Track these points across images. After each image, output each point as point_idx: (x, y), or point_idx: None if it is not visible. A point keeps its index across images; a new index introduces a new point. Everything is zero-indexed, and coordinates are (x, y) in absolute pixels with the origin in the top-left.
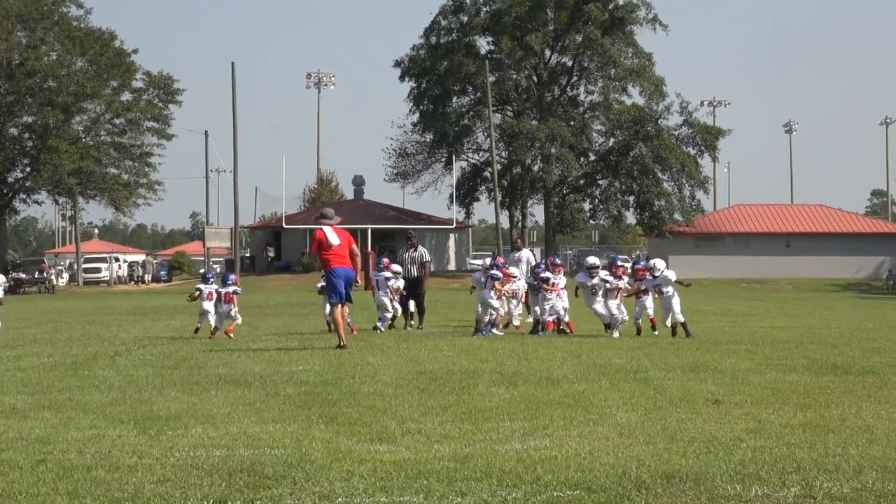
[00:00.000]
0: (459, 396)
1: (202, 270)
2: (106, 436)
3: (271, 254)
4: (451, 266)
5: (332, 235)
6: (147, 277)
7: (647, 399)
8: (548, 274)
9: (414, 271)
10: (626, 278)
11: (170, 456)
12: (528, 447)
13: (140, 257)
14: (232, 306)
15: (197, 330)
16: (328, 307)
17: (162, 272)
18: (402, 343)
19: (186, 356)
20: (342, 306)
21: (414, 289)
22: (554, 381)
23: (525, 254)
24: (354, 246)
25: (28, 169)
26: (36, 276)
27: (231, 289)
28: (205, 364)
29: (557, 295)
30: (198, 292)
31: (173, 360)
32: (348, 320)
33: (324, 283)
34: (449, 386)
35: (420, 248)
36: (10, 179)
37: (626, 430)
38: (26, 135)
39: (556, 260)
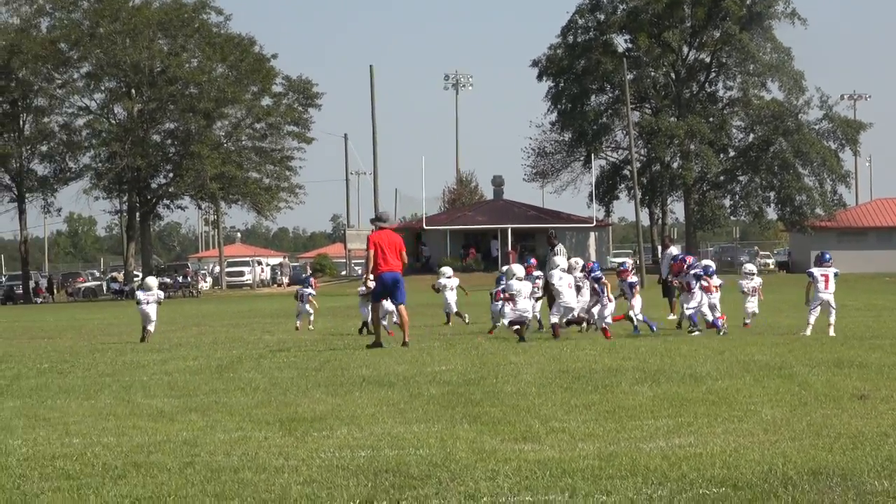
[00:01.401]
0: (603, 395)
1: (305, 275)
2: (252, 437)
3: (427, 253)
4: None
5: (386, 240)
6: (284, 280)
7: (791, 395)
8: (600, 273)
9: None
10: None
11: (315, 457)
12: (673, 444)
13: (279, 260)
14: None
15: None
16: (366, 310)
17: (303, 274)
18: (545, 342)
19: (330, 358)
20: (396, 307)
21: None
22: (697, 378)
23: (675, 252)
24: (404, 252)
25: (171, 175)
26: (180, 280)
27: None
28: (348, 365)
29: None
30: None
31: (317, 362)
32: (394, 320)
33: (366, 288)
34: (592, 384)
35: (559, 246)
36: (154, 185)
37: (772, 426)
38: (169, 141)
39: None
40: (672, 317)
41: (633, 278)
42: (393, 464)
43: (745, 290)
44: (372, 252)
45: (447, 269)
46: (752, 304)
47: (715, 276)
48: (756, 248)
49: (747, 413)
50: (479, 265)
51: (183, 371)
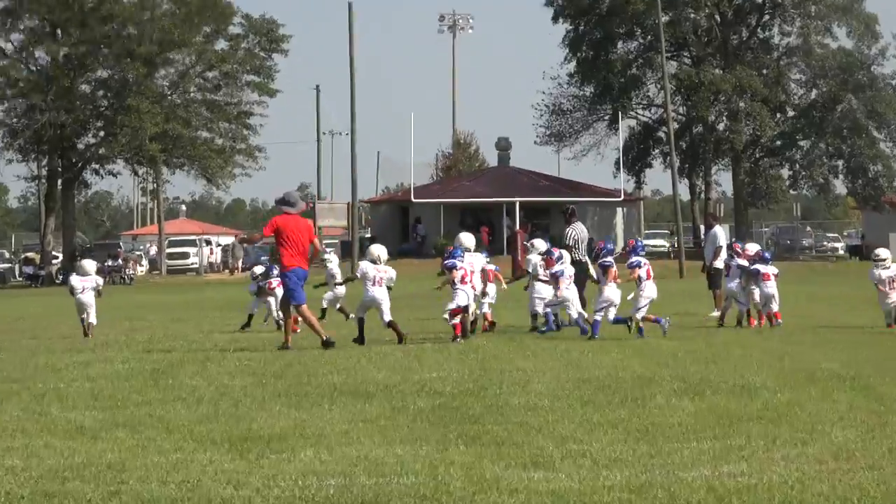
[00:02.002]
0: (633, 410)
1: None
2: (194, 461)
3: (422, 233)
4: (619, 248)
5: (293, 226)
6: (238, 264)
7: (869, 413)
8: (610, 260)
9: (584, 251)
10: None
11: (273, 486)
12: (721, 473)
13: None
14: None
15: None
16: (275, 307)
17: (263, 257)
18: (560, 344)
19: (293, 361)
20: (296, 308)
21: (583, 274)
22: (751, 390)
23: (719, 231)
24: (316, 241)
25: (102, 133)
26: (109, 263)
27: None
28: (316, 371)
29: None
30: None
31: (278, 367)
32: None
33: (257, 286)
34: (619, 397)
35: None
36: (81, 146)
37: (844, 451)
38: (100, 92)
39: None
40: (715, 313)
41: (557, 267)
42: (370, 495)
43: (880, 281)
44: (267, 238)
45: (379, 250)
46: (894, 299)
47: (770, 265)
48: (817, 229)
49: (813, 435)
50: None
51: (110, 377)
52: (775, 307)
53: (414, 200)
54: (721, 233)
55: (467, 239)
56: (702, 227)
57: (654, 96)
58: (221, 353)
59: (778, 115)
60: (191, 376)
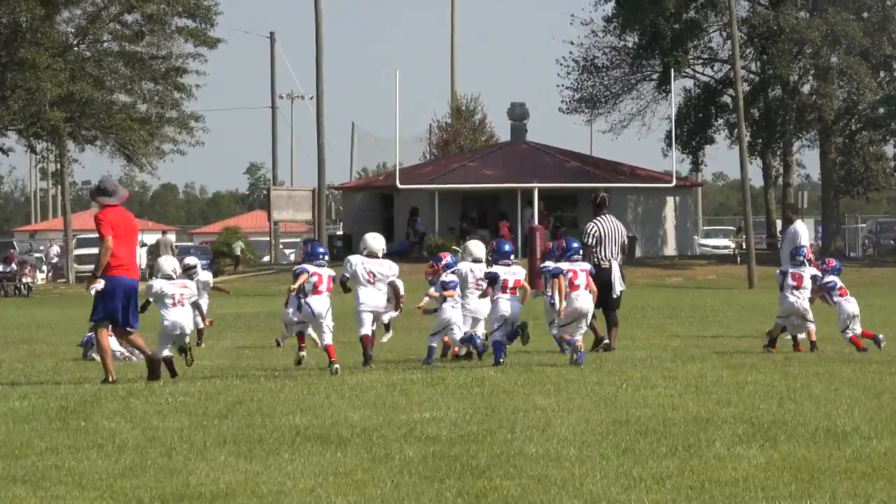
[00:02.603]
0: (684, 461)
1: (303, 238)
2: None
3: (421, 229)
4: (671, 248)
5: (123, 224)
6: (142, 262)
7: None
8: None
9: (611, 253)
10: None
11: None
12: None
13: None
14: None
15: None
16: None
17: (203, 261)
18: (591, 375)
19: (243, 396)
20: (119, 328)
21: (608, 287)
22: (838, 435)
23: (800, 228)
24: (138, 237)
25: None
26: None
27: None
28: (273, 410)
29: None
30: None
31: (223, 404)
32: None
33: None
34: (668, 444)
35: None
36: None
37: None
38: None
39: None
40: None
41: (448, 277)
42: None
43: None
44: (109, 240)
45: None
46: None
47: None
48: None
49: None
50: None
51: (4, 416)
52: (859, 328)
53: (400, 186)
54: (803, 230)
55: (477, 248)
56: (778, 222)
57: (719, 48)
58: (148, 385)
59: (882, 74)
60: (109, 416)
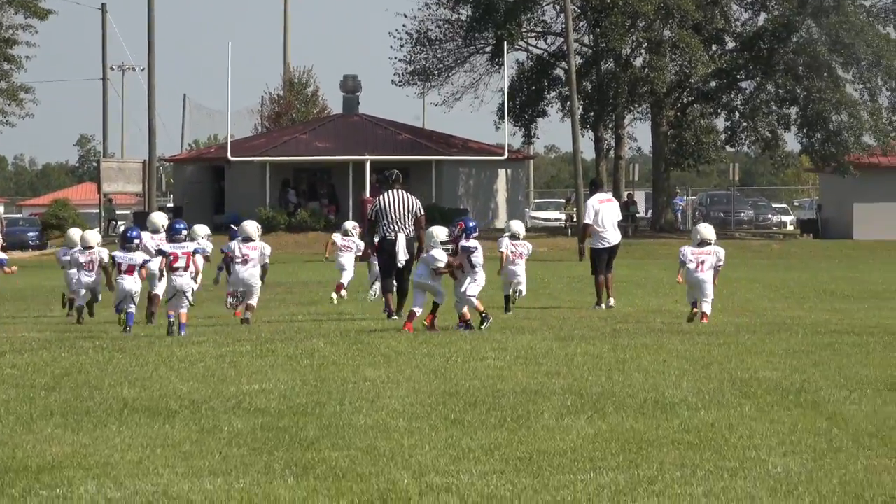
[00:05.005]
0: (514, 432)
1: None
2: None
3: (293, 199)
4: (502, 221)
5: None
6: None
7: (817, 436)
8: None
9: (396, 226)
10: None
11: None
12: None
13: None
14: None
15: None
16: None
17: (30, 233)
18: (420, 346)
19: (71, 368)
20: None
21: (395, 258)
22: (666, 406)
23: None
24: None
25: None
26: None
27: (191, 246)
28: (101, 382)
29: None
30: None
31: (50, 376)
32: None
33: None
34: (497, 415)
35: (404, 193)
36: None
37: (784, 485)
38: None
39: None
40: (612, 303)
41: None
42: None
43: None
44: None
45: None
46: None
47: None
48: (760, 197)
49: (745, 463)
50: (318, 221)
51: None
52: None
53: (231, 158)
54: (590, 205)
55: (440, 232)
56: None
57: (552, 21)
58: None
59: (714, 48)
60: None
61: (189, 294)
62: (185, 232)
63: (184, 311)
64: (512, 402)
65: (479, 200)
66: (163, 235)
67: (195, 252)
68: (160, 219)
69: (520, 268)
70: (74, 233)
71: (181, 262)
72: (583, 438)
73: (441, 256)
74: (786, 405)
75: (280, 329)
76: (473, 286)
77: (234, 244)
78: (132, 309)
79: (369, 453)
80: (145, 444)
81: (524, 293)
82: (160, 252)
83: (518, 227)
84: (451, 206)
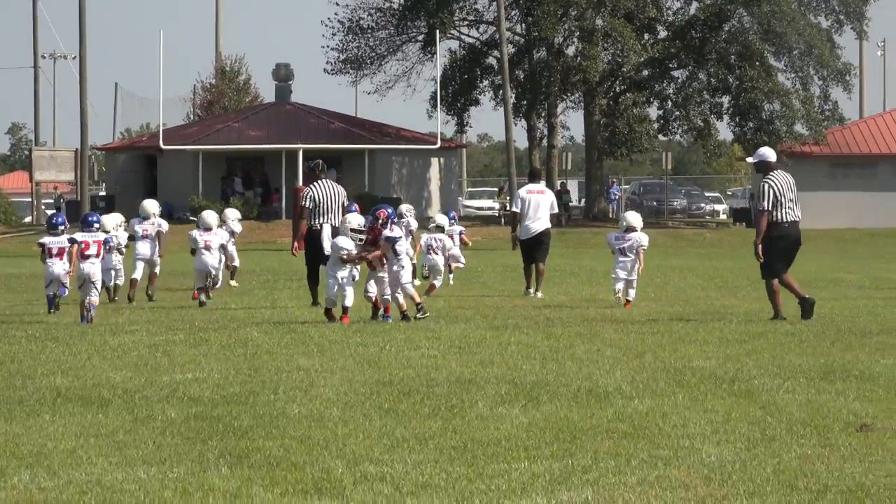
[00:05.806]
0: (447, 421)
1: (51, 212)
2: None
3: (238, 189)
4: (435, 210)
5: None
6: None
7: (751, 424)
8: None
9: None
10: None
11: None
12: (560, 502)
13: None
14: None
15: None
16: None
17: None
18: (354, 336)
19: (3, 357)
20: None
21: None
22: (600, 395)
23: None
24: None
25: None
26: None
27: (102, 236)
28: (33, 371)
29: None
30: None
31: None
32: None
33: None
34: (431, 404)
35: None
36: None
37: (718, 473)
38: None
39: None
40: (539, 294)
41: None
42: None
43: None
44: None
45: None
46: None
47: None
48: (692, 186)
49: (679, 452)
50: (251, 210)
51: None
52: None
53: (163, 147)
54: (522, 195)
55: (354, 219)
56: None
57: (484, 10)
58: None
59: (646, 37)
60: None
61: (98, 283)
62: (97, 225)
63: (95, 298)
64: (446, 391)
65: (413, 189)
66: (154, 221)
67: (106, 242)
68: (152, 206)
69: (439, 260)
70: None
71: (92, 250)
72: (517, 427)
73: (346, 244)
74: (719, 394)
75: (214, 318)
76: (404, 273)
77: (196, 233)
78: (53, 291)
79: (303, 442)
80: (79, 434)
81: (437, 286)
82: (71, 240)
83: (442, 220)
84: (384, 195)
